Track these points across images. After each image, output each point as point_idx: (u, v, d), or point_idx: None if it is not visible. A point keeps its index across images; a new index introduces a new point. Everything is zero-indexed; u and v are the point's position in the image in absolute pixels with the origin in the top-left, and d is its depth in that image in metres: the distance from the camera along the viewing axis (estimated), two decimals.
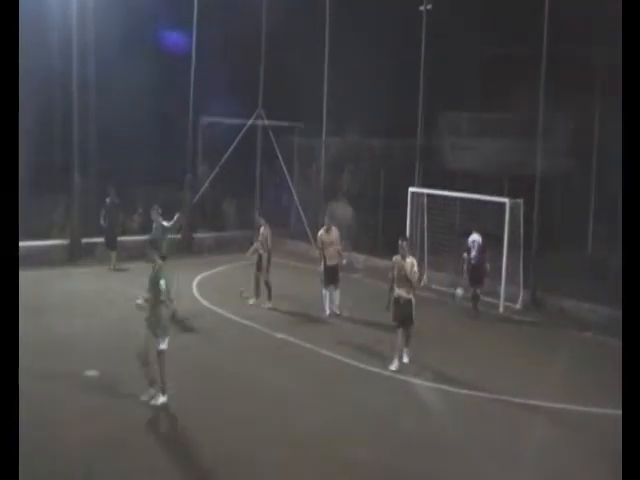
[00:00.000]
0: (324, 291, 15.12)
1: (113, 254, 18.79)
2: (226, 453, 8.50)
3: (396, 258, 11.89)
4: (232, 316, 14.64)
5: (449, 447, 9.06)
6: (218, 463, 8.29)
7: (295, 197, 22.43)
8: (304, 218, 22.19)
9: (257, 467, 8.27)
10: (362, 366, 11.88)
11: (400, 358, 11.80)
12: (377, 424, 9.67)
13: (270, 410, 9.92)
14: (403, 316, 11.72)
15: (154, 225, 14.81)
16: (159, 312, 9.52)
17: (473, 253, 15.47)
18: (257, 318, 14.40)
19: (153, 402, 9.57)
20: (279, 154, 22.34)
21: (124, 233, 19.75)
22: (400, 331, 11.76)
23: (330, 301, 15.10)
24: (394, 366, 11.60)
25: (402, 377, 11.39)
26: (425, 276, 17.65)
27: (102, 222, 18.84)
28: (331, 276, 15.04)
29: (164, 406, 9.63)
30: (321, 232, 15.34)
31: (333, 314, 15.03)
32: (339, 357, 12.31)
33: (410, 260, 11.84)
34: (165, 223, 14.73)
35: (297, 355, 12.57)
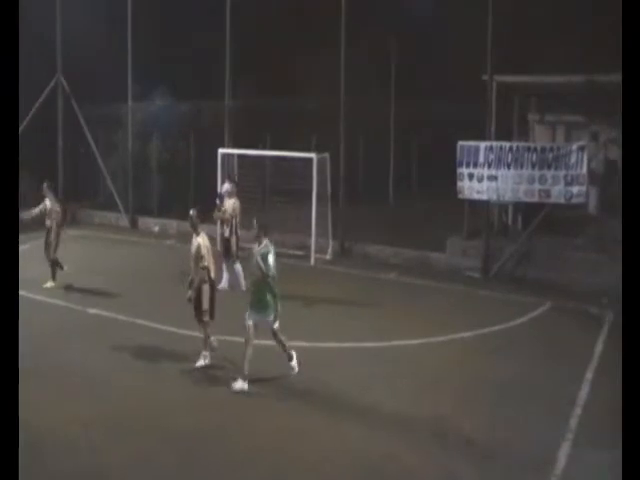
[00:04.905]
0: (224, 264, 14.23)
1: None
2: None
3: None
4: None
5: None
6: None
7: (102, 166, 21.68)
8: (113, 188, 21.55)
9: None
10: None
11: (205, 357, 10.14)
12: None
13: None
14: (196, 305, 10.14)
15: None
16: None
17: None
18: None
19: None
20: (82, 121, 21.43)
21: None
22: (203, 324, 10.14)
23: (232, 274, 14.14)
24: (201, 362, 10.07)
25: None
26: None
27: None
28: (224, 248, 14.50)
29: None
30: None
31: (231, 288, 13.91)
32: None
33: (200, 239, 10.15)
34: None
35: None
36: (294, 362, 9.71)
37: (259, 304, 9.37)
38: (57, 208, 14.09)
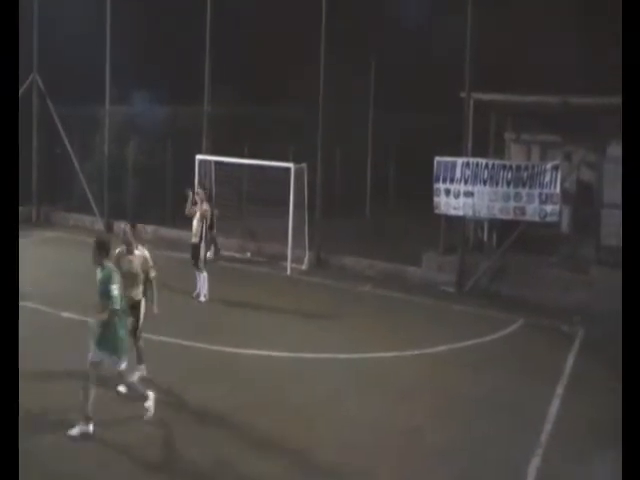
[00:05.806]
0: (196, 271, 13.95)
1: None
2: None
3: (120, 250, 9.28)
4: None
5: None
6: None
7: (78, 169, 21.47)
8: (88, 190, 21.35)
9: None
10: None
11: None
12: None
13: None
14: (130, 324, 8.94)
15: None
16: None
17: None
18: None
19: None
20: (58, 122, 21.24)
21: None
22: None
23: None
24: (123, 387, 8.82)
25: None
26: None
27: None
28: (192, 255, 13.95)
29: None
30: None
31: (196, 297, 13.77)
32: None
33: (140, 253, 9.33)
34: None
35: None
36: (149, 403, 8.28)
37: (106, 341, 7.93)
38: None
